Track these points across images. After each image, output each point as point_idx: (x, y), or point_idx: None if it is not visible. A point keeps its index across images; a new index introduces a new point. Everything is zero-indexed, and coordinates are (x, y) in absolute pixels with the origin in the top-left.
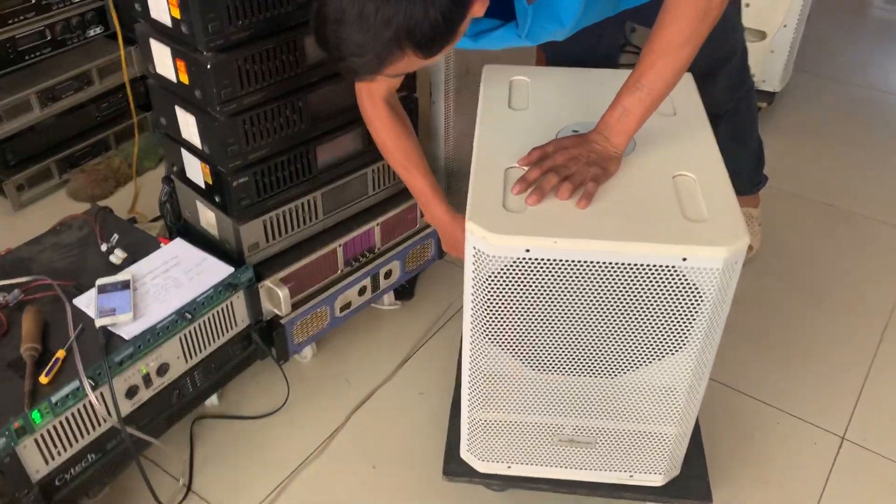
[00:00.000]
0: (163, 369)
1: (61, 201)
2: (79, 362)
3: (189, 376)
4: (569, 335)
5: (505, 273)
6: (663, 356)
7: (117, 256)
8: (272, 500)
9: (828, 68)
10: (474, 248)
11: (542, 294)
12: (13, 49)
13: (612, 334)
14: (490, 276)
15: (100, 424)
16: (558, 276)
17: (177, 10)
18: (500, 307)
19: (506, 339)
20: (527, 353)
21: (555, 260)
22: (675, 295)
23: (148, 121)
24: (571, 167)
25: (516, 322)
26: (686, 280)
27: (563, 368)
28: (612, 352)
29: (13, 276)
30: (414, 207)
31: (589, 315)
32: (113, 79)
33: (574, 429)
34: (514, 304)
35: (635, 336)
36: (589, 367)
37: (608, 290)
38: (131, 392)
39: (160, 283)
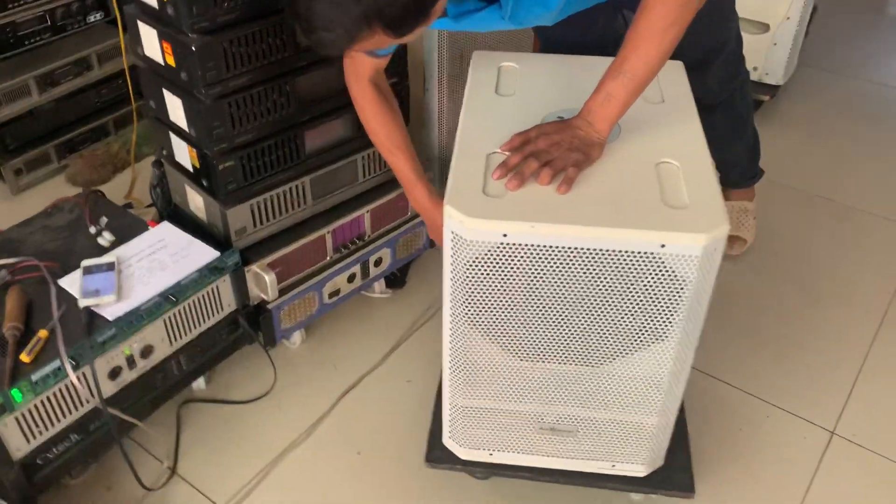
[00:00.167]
0: (147, 351)
1: (60, 186)
2: (60, 342)
3: (174, 359)
4: (549, 323)
5: (484, 259)
6: (644, 345)
7: (105, 239)
8: (256, 484)
9: (834, 63)
10: (452, 232)
11: (521, 281)
12: (13, 33)
13: (593, 323)
14: (469, 262)
15: (83, 405)
16: (537, 263)
17: None
18: (479, 294)
19: (486, 327)
20: (508, 341)
21: (533, 245)
22: (655, 283)
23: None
24: (553, 152)
25: (497, 309)
26: (665, 267)
27: (544, 356)
28: (592, 340)
29: (1, 257)
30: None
31: (569, 303)
32: (112, 64)
33: (556, 417)
34: (494, 290)
35: (616, 325)
36: (570, 355)
37: (588, 278)
38: (114, 373)
39: (146, 265)
